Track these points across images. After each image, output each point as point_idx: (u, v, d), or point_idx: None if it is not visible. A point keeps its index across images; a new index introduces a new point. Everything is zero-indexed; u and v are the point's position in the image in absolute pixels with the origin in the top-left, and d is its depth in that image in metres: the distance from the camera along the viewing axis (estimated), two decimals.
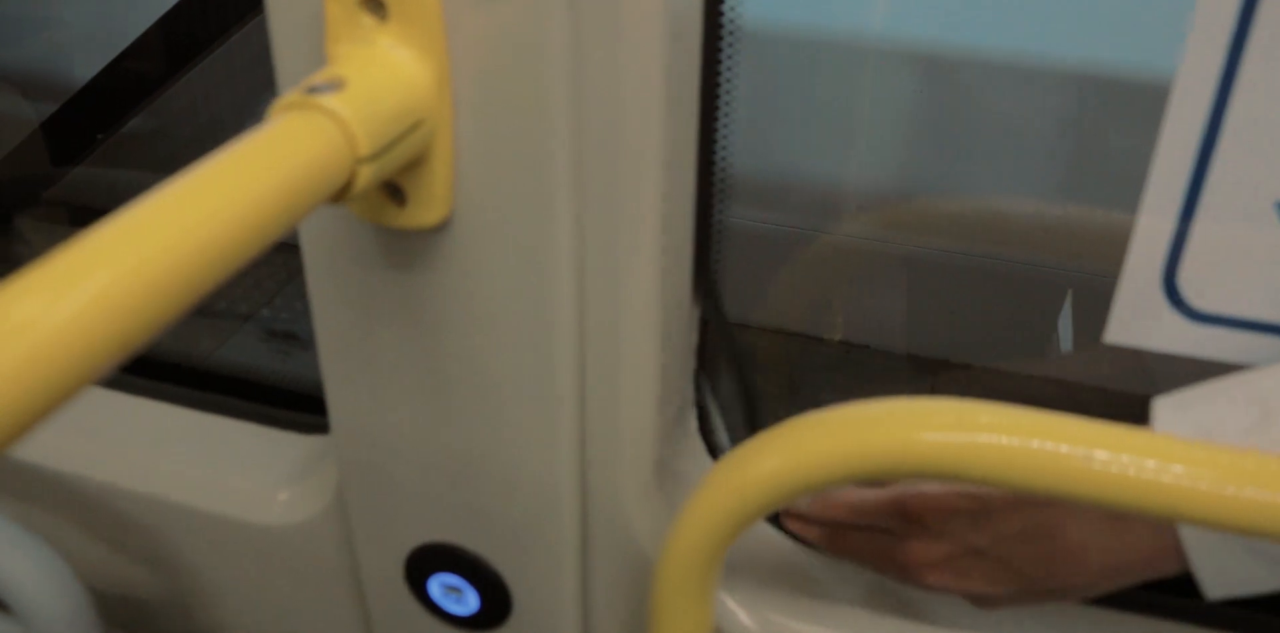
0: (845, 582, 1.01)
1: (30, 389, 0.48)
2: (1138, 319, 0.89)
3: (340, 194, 0.68)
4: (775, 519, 1.02)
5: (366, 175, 0.69)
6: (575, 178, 0.79)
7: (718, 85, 0.90)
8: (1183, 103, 0.81)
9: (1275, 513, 0.70)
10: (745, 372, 1.09)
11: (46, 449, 1.20)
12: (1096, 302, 0.95)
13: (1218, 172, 0.83)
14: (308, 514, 1.09)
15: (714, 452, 1.04)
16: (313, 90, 0.68)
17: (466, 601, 1.01)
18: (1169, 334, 0.89)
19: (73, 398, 0.51)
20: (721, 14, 0.87)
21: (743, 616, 0.98)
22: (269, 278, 2.34)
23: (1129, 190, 0.86)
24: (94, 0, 2.34)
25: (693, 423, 1.03)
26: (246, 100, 1.95)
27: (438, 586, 1.02)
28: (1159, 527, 0.83)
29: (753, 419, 1.10)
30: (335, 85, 0.69)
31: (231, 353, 2.19)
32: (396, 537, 1.01)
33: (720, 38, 0.88)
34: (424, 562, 1.01)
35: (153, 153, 1.98)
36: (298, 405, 1.18)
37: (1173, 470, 0.70)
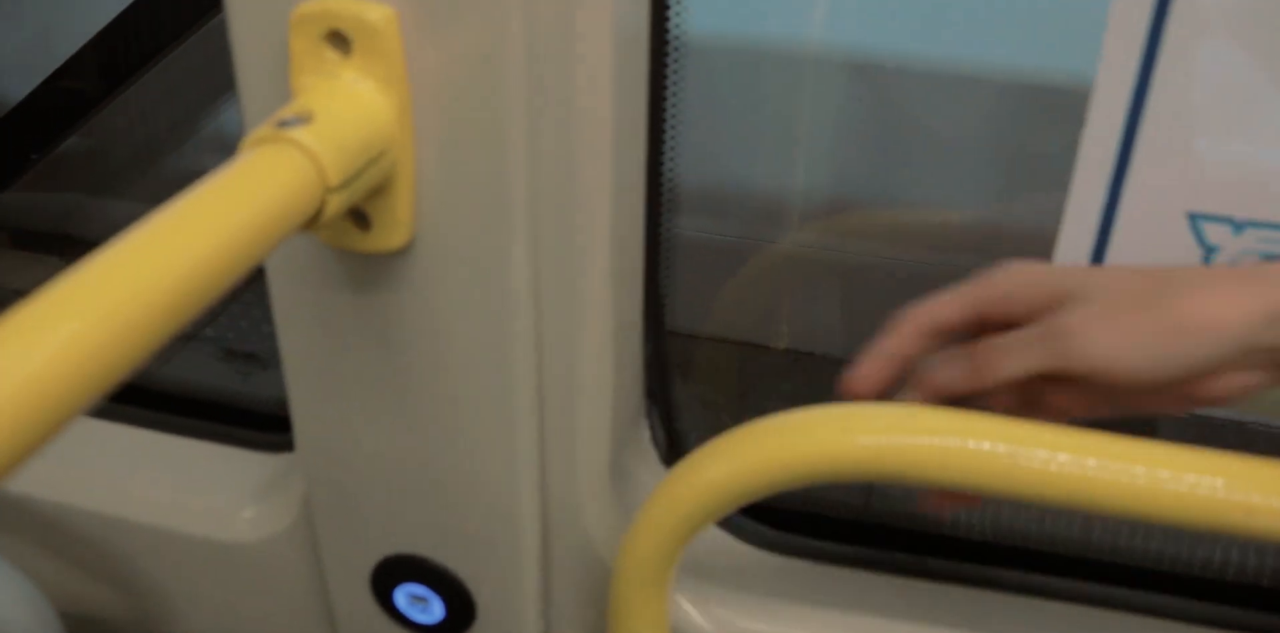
0: (797, 581, 1.05)
1: (11, 433, 0.51)
2: None
3: (311, 222, 0.72)
4: (726, 523, 1.07)
5: (336, 204, 0.73)
6: (530, 201, 0.83)
7: (664, 101, 0.95)
8: (1099, 117, 0.86)
9: (1195, 502, 0.75)
10: (692, 382, 1.13)
11: (15, 475, 1.23)
12: None
13: (1134, 182, 0.88)
14: (274, 531, 1.13)
15: (666, 460, 1.08)
16: (283, 124, 0.72)
17: (432, 610, 1.05)
18: None
19: (54, 437, 0.54)
20: (667, 33, 0.91)
21: (696, 616, 1.02)
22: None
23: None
24: (26, 17, 2.33)
25: (645, 433, 1.07)
26: (184, 118, 1.96)
27: (404, 596, 1.05)
28: None
29: (701, 427, 1.14)
30: (304, 119, 0.73)
31: (193, 374, 2.20)
32: (362, 550, 1.05)
33: (666, 55, 0.92)
34: (390, 573, 1.05)
35: (90, 173, 1.99)
36: (260, 425, 1.21)
37: (1096, 465, 0.76)
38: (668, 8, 0.91)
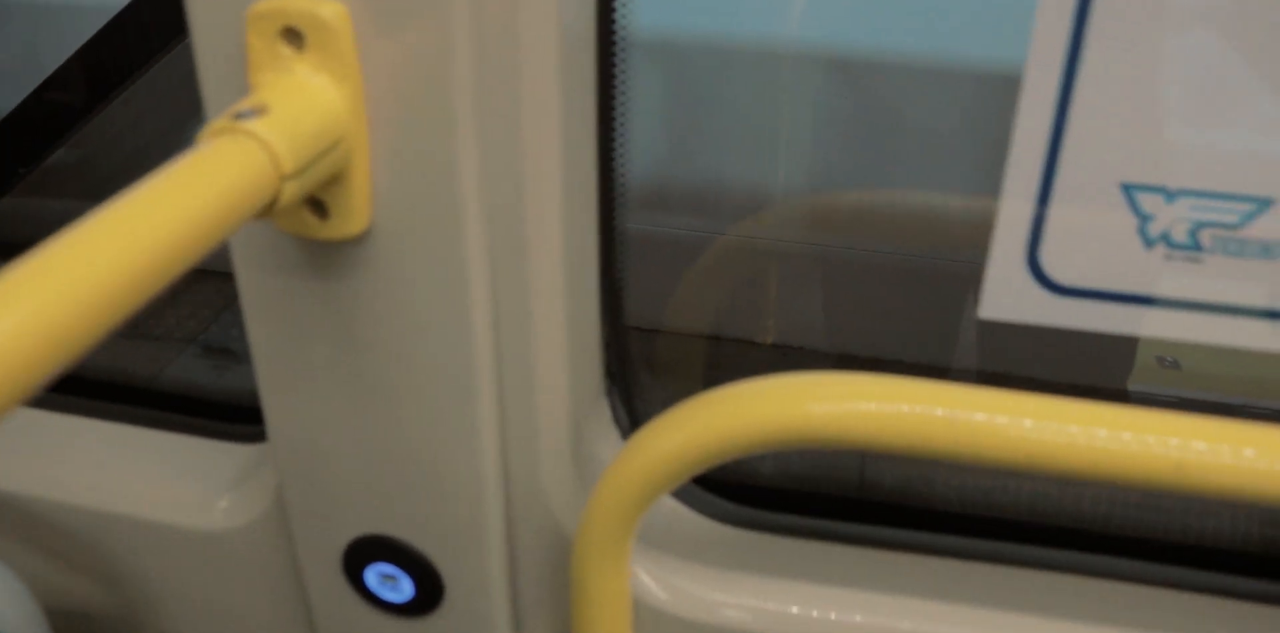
0: (756, 553, 1.08)
1: None
2: (1006, 296, 0.97)
3: (268, 209, 0.75)
4: (686, 497, 1.10)
5: (291, 191, 0.76)
6: (482, 190, 0.86)
7: (614, 97, 0.98)
8: (1032, 95, 0.89)
9: (1128, 459, 0.79)
10: (653, 363, 1.16)
11: None
12: None
13: (1069, 157, 0.91)
14: (249, 518, 1.15)
15: (627, 438, 1.11)
16: (239, 116, 0.75)
17: (402, 588, 1.08)
18: (1035, 308, 0.97)
19: (8, 413, 0.57)
20: (614, 32, 0.95)
21: (656, 588, 1.05)
22: (206, 306, 2.38)
23: None
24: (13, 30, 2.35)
25: (607, 412, 1.10)
26: (170, 128, 1.97)
27: (374, 575, 1.08)
28: None
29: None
30: (259, 111, 0.76)
31: (174, 371, 2.23)
32: (333, 532, 1.08)
33: (614, 53, 0.96)
34: (360, 554, 1.08)
35: (78, 185, 2.00)
36: (237, 417, 1.24)
37: (1037, 427, 0.79)
38: (614, 7, 0.94)
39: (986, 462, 0.83)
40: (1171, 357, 1.58)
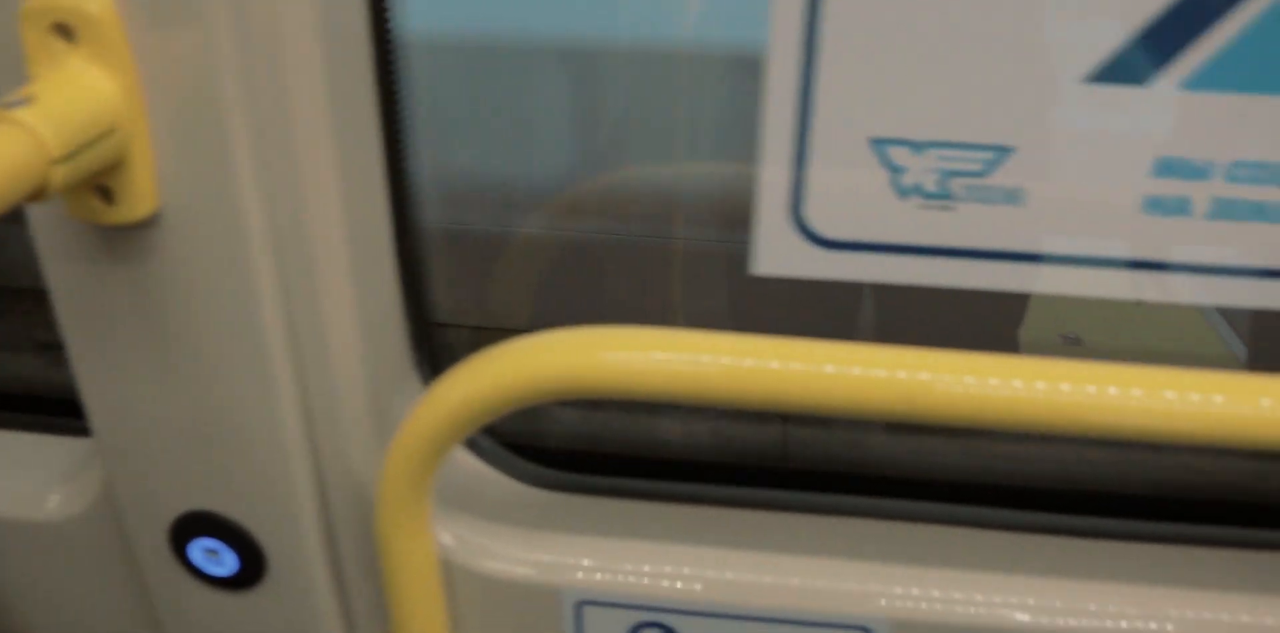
0: (559, 511, 1.14)
1: None
2: (776, 252, 1.03)
3: (40, 193, 0.79)
4: (496, 460, 1.14)
5: (63, 175, 0.80)
6: (259, 172, 0.91)
7: (395, 96, 1.03)
8: (778, 60, 0.95)
9: (862, 393, 0.85)
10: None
11: None
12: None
13: (820, 116, 0.97)
14: (81, 507, 1.19)
15: None
16: (7, 105, 0.79)
17: (225, 561, 1.12)
18: (805, 262, 1.04)
19: None
20: (388, 33, 1.00)
21: (464, 547, 1.10)
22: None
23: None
24: None
25: (413, 375, 1.14)
26: None
27: (199, 551, 1.12)
28: None
29: None
30: (27, 100, 0.80)
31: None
32: (159, 512, 1.11)
33: (390, 54, 1.01)
34: (184, 531, 1.12)
35: None
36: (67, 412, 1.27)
37: (805, 369, 0.86)
38: (387, 11, 0.99)
39: (765, 405, 0.89)
40: (1074, 333, 1.65)
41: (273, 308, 0.96)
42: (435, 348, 1.14)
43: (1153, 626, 1.06)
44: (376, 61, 0.99)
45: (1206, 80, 0.93)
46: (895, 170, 0.99)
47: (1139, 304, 1.57)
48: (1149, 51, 0.93)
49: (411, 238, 1.08)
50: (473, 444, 1.14)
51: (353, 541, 1.11)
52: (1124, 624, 1.06)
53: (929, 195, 1.00)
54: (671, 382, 0.89)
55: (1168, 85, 0.93)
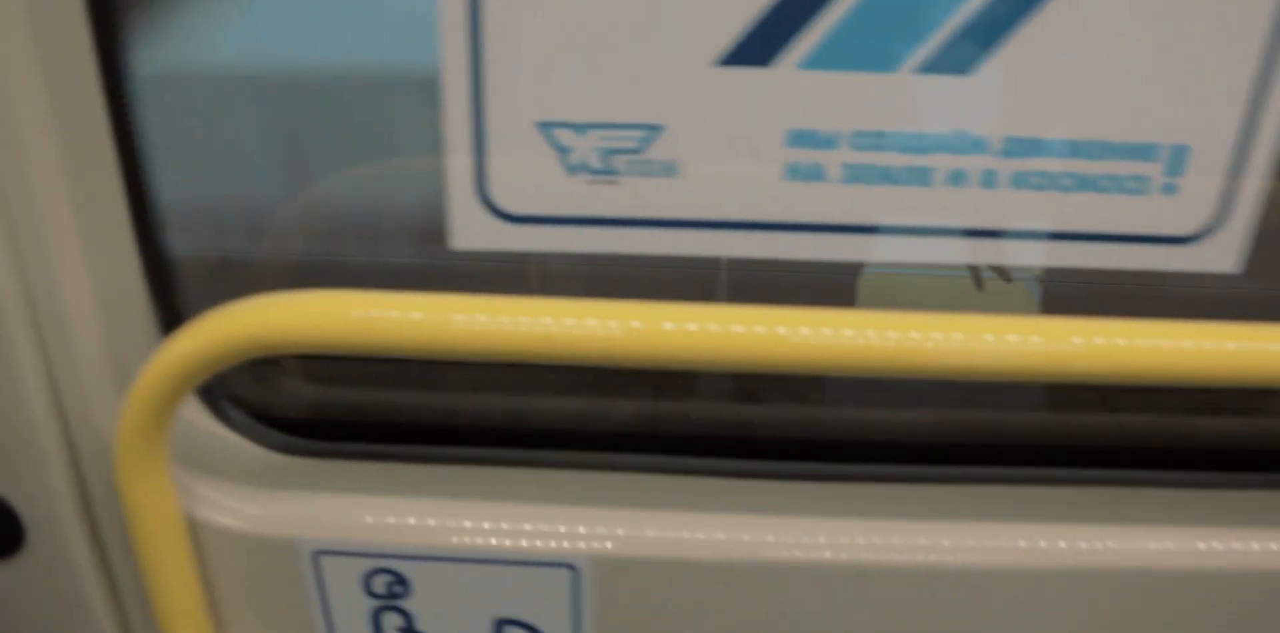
0: (294, 470, 1.25)
1: None
2: (468, 228, 1.14)
3: None
4: (243, 429, 1.25)
5: None
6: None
7: (130, 127, 1.12)
8: (449, 52, 1.06)
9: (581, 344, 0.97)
10: None
11: None
12: None
13: (491, 103, 1.08)
14: None
15: None
16: None
17: None
18: (495, 237, 1.15)
19: None
20: (120, 70, 1.10)
21: (200, 503, 1.21)
22: None
23: None
24: None
25: (156, 340, 1.23)
26: None
27: None
28: None
29: None
30: None
31: None
32: None
33: (123, 89, 1.10)
34: None
35: None
36: None
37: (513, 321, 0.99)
38: (117, 48, 1.09)
39: (456, 355, 1.01)
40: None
41: (6, 280, 1.06)
42: (176, 306, 1.23)
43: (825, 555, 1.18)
44: (110, 98, 1.08)
45: (820, 60, 1.05)
46: (562, 150, 1.11)
47: (978, 289, 1.69)
48: (767, 37, 1.05)
49: (148, 215, 1.17)
50: (225, 416, 1.24)
51: (108, 502, 1.21)
52: (798, 554, 1.19)
53: (595, 171, 1.11)
54: (372, 337, 1.01)
55: (788, 65, 1.06)
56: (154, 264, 1.13)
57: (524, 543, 1.20)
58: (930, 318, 1.02)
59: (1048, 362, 1.00)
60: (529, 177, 1.12)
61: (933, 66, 1.05)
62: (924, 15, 1.04)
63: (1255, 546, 1.20)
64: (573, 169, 1.12)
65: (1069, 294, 1.60)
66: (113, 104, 1.09)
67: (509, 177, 1.12)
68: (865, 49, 1.05)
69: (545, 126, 1.10)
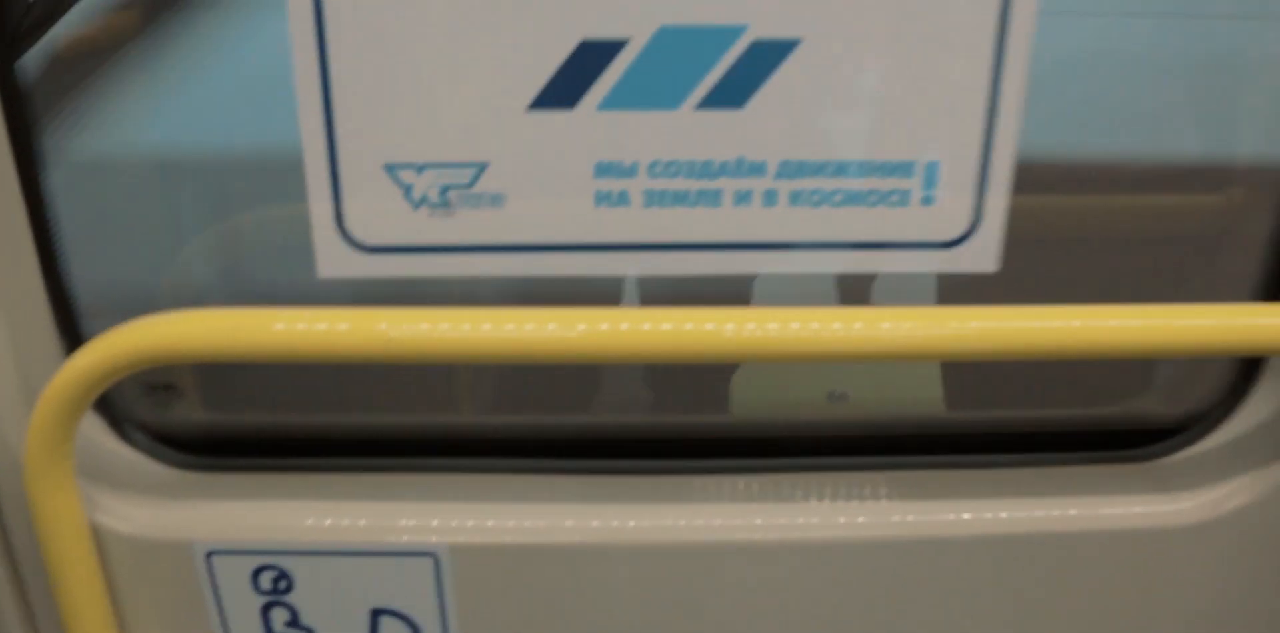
0: (189, 483, 1.41)
1: None
2: (331, 258, 1.32)
3: None
4: (146, 448, 1.41)
5: None
6: None
7: (45, 210, 1.30)
8: (307, 115, 1.25)
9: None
10: None
11: None
12: None
13: (343, 148, 1.27)
14: None
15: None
16: None
17: None
18: (354, 265, 1.33)
19: None
20: (34, 152, 1.28)
21: (103, 514, 1.36)
22: None
23: None
24: None
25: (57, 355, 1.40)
26: None
27: None
28: None
29: None
30: None
31: None
32: None
33: (36, 172, 1.28)
34: None
35: None
36: None
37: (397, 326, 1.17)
38: (30, 131, 1.27)
39: (309, 359, 1.19)
40: (841, 390, 1.90)
41: None
42: (78, 329, 1.38)
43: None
44: (24, 181, 1.26)
45: (615, 101, 1.25)
46: (406, 187, 1.29)
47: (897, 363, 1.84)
48: (569, 84, 1.25)
49: (51, 240, 1.34)
50: (128, 436, 1.41)
51: (20, 517, 1.36)
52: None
53: (434, 205, 1.30)
54: (249, 348, 1.18)
55: (589, 107, 1.25)
56: (58, 292, 1.30)
57: (390, 537, 1.36)
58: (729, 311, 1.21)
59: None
60: (379, 212, 1.30)
61: (710, 102, 1.25)
62: (697, 59, 1.24)
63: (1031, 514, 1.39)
64: (416, 203, 1.30)
65: None
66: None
67: (363, 211, 1.31)
68: (652, 90, 1.25)
69: (390, 167, 1.29)
